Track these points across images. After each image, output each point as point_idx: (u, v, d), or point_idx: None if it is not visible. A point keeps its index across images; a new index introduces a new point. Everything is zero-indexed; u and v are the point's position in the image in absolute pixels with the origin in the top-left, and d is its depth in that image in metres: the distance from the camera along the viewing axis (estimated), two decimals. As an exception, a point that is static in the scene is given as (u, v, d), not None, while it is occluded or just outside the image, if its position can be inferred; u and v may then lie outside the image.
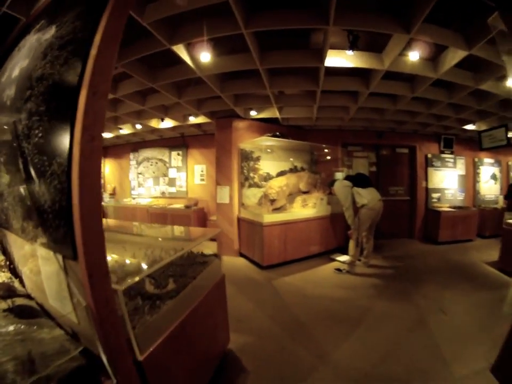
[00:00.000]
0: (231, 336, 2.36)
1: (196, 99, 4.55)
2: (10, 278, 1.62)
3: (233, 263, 4.83)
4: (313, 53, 2.99)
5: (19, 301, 1.38)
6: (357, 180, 4.45)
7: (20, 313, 1.23)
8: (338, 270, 4.25)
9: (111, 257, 2.16)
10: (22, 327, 1.07)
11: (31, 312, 1.27)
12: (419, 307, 3.05)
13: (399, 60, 3.04)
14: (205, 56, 2.88)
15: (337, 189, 4.39)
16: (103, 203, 8.36)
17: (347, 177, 4.60)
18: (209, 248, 2.45)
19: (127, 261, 1.96)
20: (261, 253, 4.38)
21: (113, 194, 8.98)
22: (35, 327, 1.11)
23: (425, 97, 4.12)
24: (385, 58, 3.02)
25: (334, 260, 4.81)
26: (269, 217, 4.40)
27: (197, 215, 6.83)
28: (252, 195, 5.24)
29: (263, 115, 5.18)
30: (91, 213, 1.00)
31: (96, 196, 1.04)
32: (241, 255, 5.22)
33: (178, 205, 7.25)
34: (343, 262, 4.55)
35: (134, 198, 8.37)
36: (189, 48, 2.90)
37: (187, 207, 6.92)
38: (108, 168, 9.41)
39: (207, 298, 1.96)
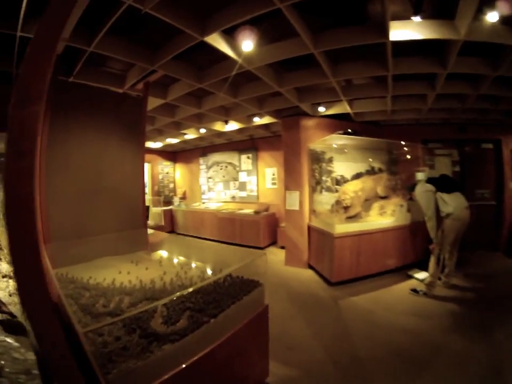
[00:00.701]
0: (275, 366, 2.32)
1: (254, 97, 4.65)
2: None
3: (300, 276, 4.81)
4: (374, 27, 2.72)
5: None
6: (441, 183, 4.00)
7: (8, 327, 1.28)
8: (415, 291, 3.89)
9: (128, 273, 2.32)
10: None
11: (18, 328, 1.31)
12: (500, 350, 2.55)
13: (477, 26, 2.55)
14: (247, 45, 2.78)
15: (419, 194, 4.00)
16: (172, 207, 9.03)
17: (429, 180, 4.08)
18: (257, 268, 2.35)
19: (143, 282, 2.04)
20: (330, 267, 4.24)
21: (183, 198, 9.64)
22: (16, 344, 1.15)
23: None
24: (460, 25, 2.53)
25: (411, 277, 4.45)
26: (341, 228, 4.21)
27: (267, 221, 6.90)
28: (324, 201, 4.99)
29: (332, 111, 4.97)
30: (21, 241, 0.96)
31: (29, 216, 0.99)
32: (310, 267, 5.11)
33: (248, 210, 7.41)
34: (421, 281, 4.17)
35: (203, 203, 8.83)
36: (228, 38, 2.88)
37: (256, 212, 7.03)
38: (179, 172, 10.14)
39: (237, 336, 1.75)
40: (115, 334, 1.33)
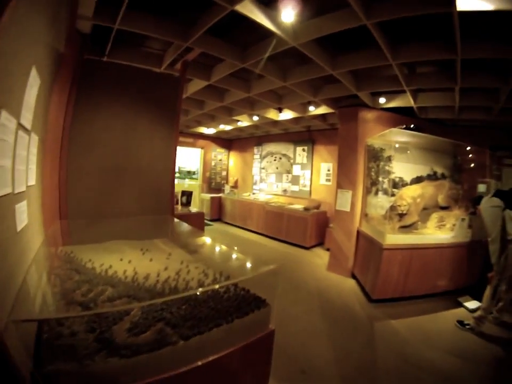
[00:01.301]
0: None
1: (308, 83, 4.31)
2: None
3: (340, 285, 4.46)
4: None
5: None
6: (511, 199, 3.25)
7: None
8: (461, 323, 3.36)
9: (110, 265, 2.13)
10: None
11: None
12: None
13: None
14: (287, 15, 2.48)
15: (484, 210, 3.34)
16: (221, 195, 9.11)
17: (497, 193, 3.31)
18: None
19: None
20: (374, 282, 3.83)
21: (235, 187, 9.65)
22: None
23: None
24: None
25: (460, 305, 3.86)
26: (393, 239, 3.73)
27: (316, 220, 6.56)
28: (379, 204, 4.48)
29: (394, 103, 4.43)
30: None
31: None
32: (354, 276, 4.71)
33: (298, 205, 7.11)
34: (471, 311, 3.62)
35: (254, 193, 8.72)
36: (263, 8, 2.56)
37: (306, 209, 6.70)
38: (232, 160, 10.15)
39: (218, 364, 1.39)
40: (74, 328, 1.24)
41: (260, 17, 2.52)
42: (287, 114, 6.13)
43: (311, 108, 5.45)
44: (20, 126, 1.63)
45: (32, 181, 2.11)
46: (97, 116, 2.99)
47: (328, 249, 5.87)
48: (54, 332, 1.21)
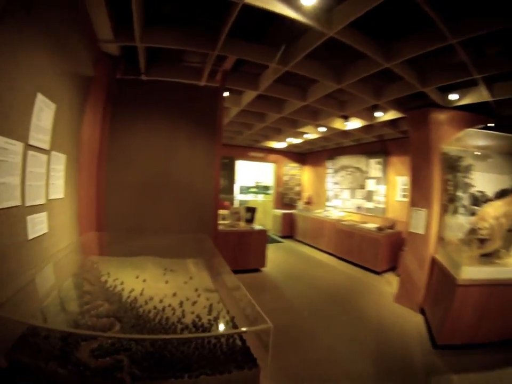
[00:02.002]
0: None
1: (365, 82, 3.83)
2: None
3: (404, 321, 3.83)
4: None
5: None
6: None
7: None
8: None
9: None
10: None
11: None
12: None
13: None
14: None
15: None
16: (294, 211, 8.94)
17: None
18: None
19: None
20: (442, 323, 3.17)
21: (308, 203, 9.41)
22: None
23: None
24: None
25: None
26: (470, 271, 3.03)
27: (389, 241, 5.91)
28: (458, 226, 3.77)
29: (468, 100, 3.76)
30: None
31: None
32: (422, 311, 3.96)
33: (371, 224, 6.52)
34: None
35: (326, 210, 8.34)
36: None
37: (379, 229, 6.10)
38: (306, 175, 9.94)
39: None
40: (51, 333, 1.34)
41: (278, 7, 2.30)
42: (354, 123, 5.74)
43: (379, 114, 4.98)
44: (30, 147, 1.84)
45: (59, 195, 2.38)
46: (134, 132, 3.21)
47: (399, 276, 5.20)
48: (33, 331, 1.34)
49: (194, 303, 1.94)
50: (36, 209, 1.98)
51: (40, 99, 1.91)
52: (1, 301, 1.46)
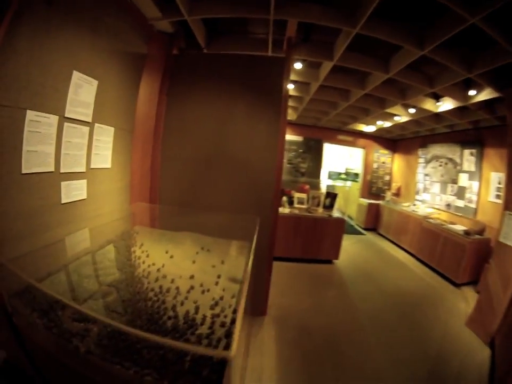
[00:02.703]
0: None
1: (453, 48, 3.17)
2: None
3: (469, 356, 3.17)
4: None
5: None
6: None
7: None
8: None
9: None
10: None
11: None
12: None
13: None
14: None
15: None
16: (381, 202, 8.40)
17: None
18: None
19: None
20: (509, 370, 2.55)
21: (397, 194, 8.66)
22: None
23: None
24: None
25: None
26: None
27: (475, 249, 5.08)
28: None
29: None
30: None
31: None
32: (492, 345, 3.29)
33: (459, 226, 5.66)
34: None
35: (414, 204, 7.55)
36: None
37: (467, 233, 5.25)
38: (396, 164, 9.11)
39: None
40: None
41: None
42: (446, 105, 4.92)
43: (472, 92, 4.14)
44: (67, 119, 2.11)
45: (104, 165, 2.68)
46: (192, 107, 3.19)
47: (478, 293, 4.42)
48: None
49: (204, 291, 1.79)
50: (72, 176, 2.27)
51: (77, 76, 2.14)
52: (20, 254, 1.76)
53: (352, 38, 3.04)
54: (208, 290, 1.79)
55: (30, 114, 1.82)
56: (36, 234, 1.95)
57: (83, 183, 2.41)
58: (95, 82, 2.33)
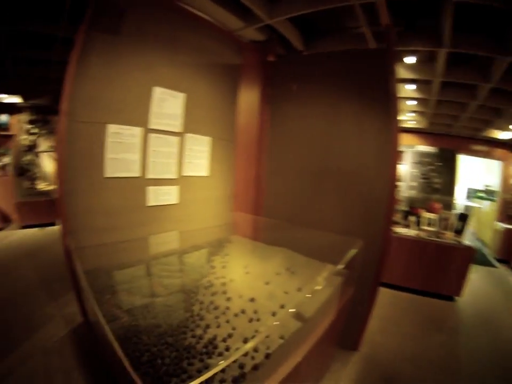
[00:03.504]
0: None
1: None
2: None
3: None
4: None
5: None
6: None
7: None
8: None
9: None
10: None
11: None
12: None
13: None
14: None
15: None
16: None
17: None
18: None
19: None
20: None
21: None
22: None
23: None
24: None
25: None
26: None
27: None
28: None
29: None
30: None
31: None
32: None
33: None
34: None
35: None
36: None
37: None
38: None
39: None
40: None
41: None
42: None
43: None
44: (152, 130, 2.35)
45: (199, 172, 2.82)
46: (294, 113, 3.03)
47: None
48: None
49: (253, 320, 1.57)
50: (160, 182, 2.47)
51: (159, 91, 2.36)
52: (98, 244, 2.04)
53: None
54: (257, 320, 1.58)
55: (112, 128, 2.09)
56: (117, 230, 2.20)
57: (173, 189, 2.59)
58: (181, 95, 2.51)
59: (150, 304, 1.64)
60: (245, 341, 1.37)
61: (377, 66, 2.68)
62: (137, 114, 2.25)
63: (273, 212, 3.16)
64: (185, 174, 2.67)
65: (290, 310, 1.50)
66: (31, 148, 6.24)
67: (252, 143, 3.23)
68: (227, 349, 1.33)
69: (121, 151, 2.18)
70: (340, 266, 1.87)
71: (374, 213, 2.69)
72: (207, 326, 1.50)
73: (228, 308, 1.67)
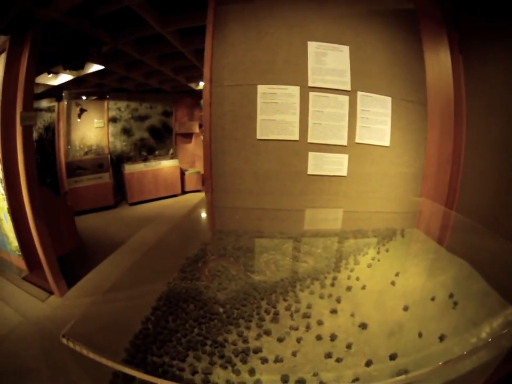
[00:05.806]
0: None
1: None
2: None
3: None
4: None
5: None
6: None
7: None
8: None
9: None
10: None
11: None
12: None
13: None
14: None
15: None
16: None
17: None
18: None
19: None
20: None
21: None
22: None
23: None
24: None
25: None
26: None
27: None
28: None
29: None
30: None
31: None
32: None
33: None
34: None
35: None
36: None
37: None
38: None
39: None
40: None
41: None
42: None
43: None
44: (312, 88, 2.22)
45: (378, 141, 2.29)
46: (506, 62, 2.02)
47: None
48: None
49: (341, 360, 0.89)
50: (325, 148, 2.19)
51: (314, 45, 2.18)
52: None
53: None
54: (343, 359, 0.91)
55: (262, 88, 2.14)
56: (266, 195, 2.15)
57: (342, 157, 2.21)
58: (344, 48, 2.21)
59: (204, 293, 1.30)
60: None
61: None
62: (291, 73, 2.15)
63: (470, 206, 2.17)
64: (359, 141, 2.20)
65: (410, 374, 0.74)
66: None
67: (447, 107, 2.25)
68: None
69: (276, 112, 2.14)
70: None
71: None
72: (223, 339, 1.03)
73: (320, 323, 1.08)
